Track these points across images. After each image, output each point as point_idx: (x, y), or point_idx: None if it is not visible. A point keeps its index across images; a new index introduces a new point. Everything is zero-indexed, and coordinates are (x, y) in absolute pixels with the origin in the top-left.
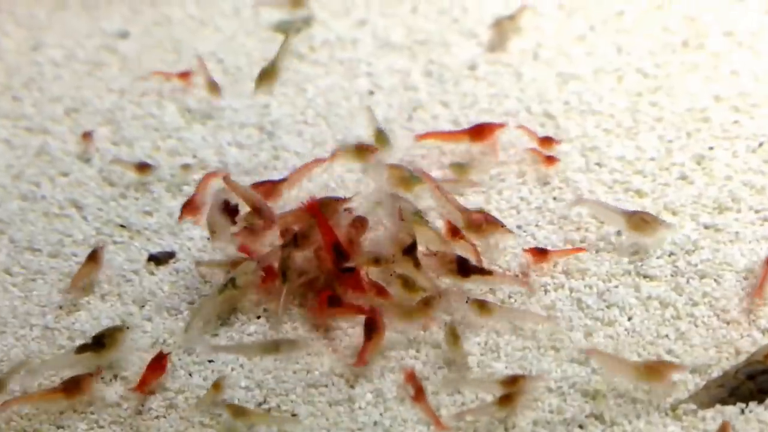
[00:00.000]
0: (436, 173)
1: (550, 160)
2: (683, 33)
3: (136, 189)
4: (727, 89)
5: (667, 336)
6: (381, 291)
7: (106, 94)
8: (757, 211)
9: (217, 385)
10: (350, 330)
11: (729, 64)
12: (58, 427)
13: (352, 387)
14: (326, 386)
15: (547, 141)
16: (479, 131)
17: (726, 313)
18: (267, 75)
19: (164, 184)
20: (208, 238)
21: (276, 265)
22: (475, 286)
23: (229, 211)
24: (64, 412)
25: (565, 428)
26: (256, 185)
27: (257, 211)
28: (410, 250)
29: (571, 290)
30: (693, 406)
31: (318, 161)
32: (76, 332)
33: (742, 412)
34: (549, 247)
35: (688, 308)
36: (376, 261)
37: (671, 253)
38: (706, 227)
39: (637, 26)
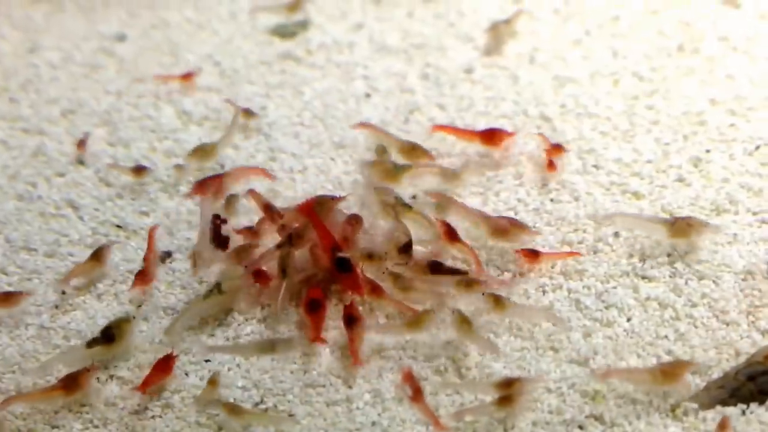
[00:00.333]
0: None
1: (552, 165)
2: (678, 37)
3: (133, 189)
4: (723, 93)
5: (666, 337)
6: (376, 289)
7: (103, 96)
8: (754, 213)
9: (212, 382)
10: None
11: (724, 68)
12: (53, 427)
13: (349, 387)
14: (324, 386)
15: (556, 149)
16: (490, 136)
17: (725, 314)
18: (202, 152)
19: (160, 184)
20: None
21: (265, 267)
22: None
23: (220, 241)
24: (58, 411)
25: (565, 429)
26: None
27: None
28: (406, 249)
29: (570, 291)
30: (693, 407)
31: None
32: (71, 332)
33: (743, 413)
34: (547, 249)
35: (687, 309)
36: (370, 257)
37: (669, 254)
38: None
39: (632, 30)
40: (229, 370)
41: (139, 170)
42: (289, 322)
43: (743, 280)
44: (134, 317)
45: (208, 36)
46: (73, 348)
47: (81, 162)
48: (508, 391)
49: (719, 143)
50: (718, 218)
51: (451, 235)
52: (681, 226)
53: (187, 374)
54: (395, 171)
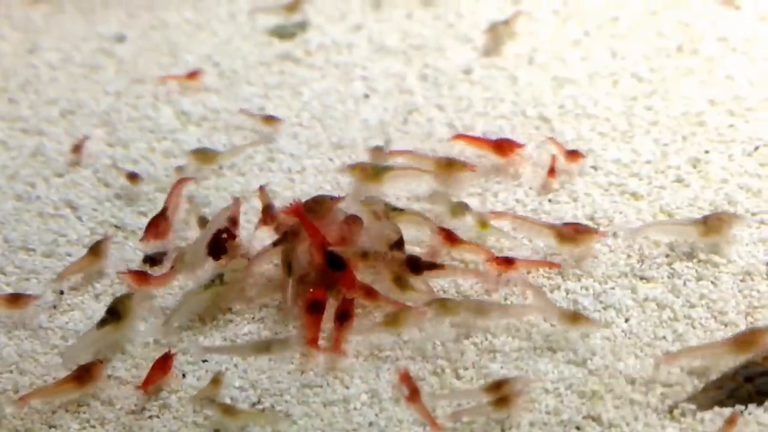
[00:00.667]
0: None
1: (552, 172)
2: (677, 38)
3: (131, 190)
4: (722, 93)
5: (664, 338)
6: (370, 292)
7: (102, 97)
8: (753, 214)
9: (216, 381)
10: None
11: (723, 69)
12: (51, 426)
13: (347, 387)
14: (321, 387)
15: (573, 155)
16: (501, 146)
17: (724, 315)
18: (203, 155)
19: (159, 185)
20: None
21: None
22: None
23: (215, 250)
24: (56, 411)
25: (562, 429)
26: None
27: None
28: (398, 246)
29: (567, 291)
30: (691, 408)
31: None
32: (69, 332)
33: (741, 414)
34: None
35: (686, 310)
36: (364, 255)
37: (667, 255)
38: None
39: (631, 31)
40: (226, 370)
41: (132, 177)
42: (289, 322)
43: (742, 280)
44: (134, 293)
45: (207, 37)
46: (89, 332)
47: (77, 165)
48: (505, 391)
49: (718, 144)
50: None
51: (451, 238)
52: (713, 223)
53: (184, 375)
54: (376, 172)
